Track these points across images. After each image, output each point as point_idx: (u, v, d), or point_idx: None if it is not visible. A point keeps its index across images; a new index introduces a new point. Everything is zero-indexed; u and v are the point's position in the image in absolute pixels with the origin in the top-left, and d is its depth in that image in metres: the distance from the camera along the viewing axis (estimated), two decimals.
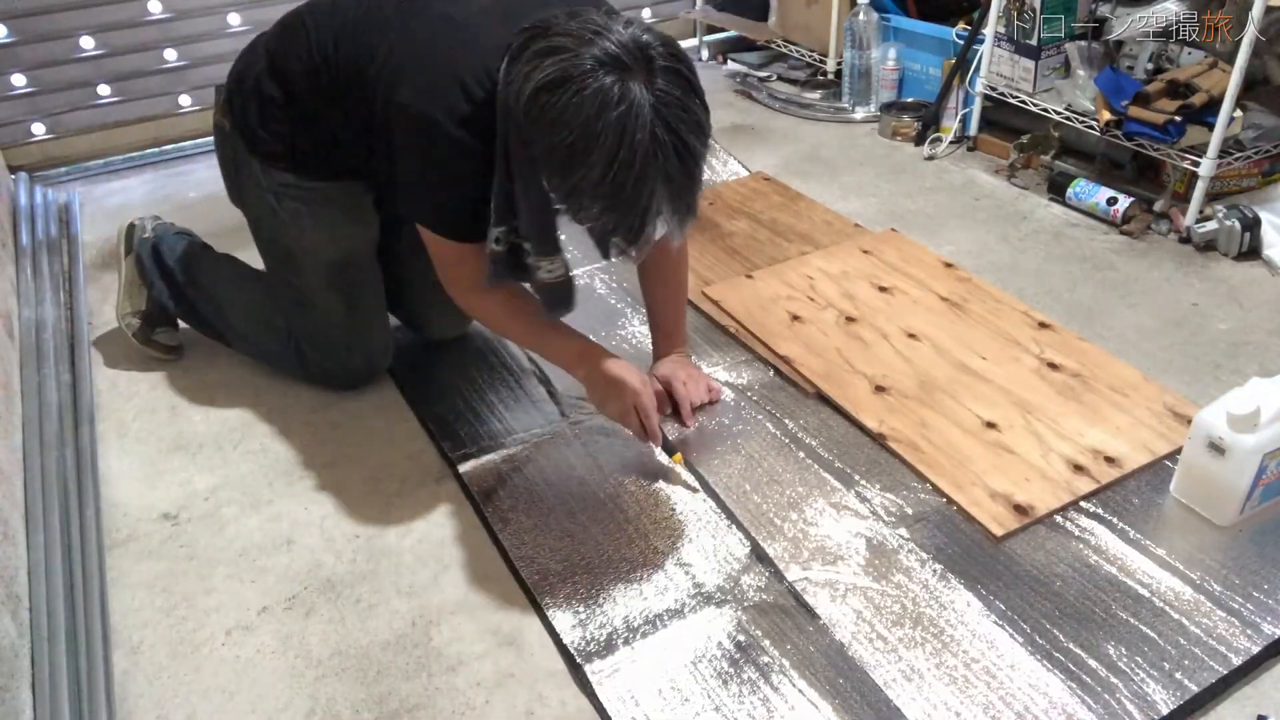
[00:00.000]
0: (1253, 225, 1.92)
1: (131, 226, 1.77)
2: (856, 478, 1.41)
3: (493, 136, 1.19)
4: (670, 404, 1.54)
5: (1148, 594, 1.21)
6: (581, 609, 1.22)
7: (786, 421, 1.53)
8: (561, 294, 1.34)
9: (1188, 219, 1.99)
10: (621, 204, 1.07)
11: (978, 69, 2.37)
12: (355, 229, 1.53)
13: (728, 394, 1.60)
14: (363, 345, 1.60)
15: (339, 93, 1.34)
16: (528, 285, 1.37)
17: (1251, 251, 1.94)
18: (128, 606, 1.27)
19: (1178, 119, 1.92)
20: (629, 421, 1.39)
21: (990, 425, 1.49)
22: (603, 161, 1.04)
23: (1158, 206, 2.08)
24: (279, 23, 1.45)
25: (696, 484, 1.41)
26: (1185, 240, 2.00)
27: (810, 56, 2.86)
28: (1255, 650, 1.13)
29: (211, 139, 2.60)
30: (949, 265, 1.91)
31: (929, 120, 2.52)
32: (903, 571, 1.25)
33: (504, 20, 1.20)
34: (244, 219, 1.93)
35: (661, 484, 1.42)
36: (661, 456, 1.44)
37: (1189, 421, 1.36)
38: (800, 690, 1.10)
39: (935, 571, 1.25)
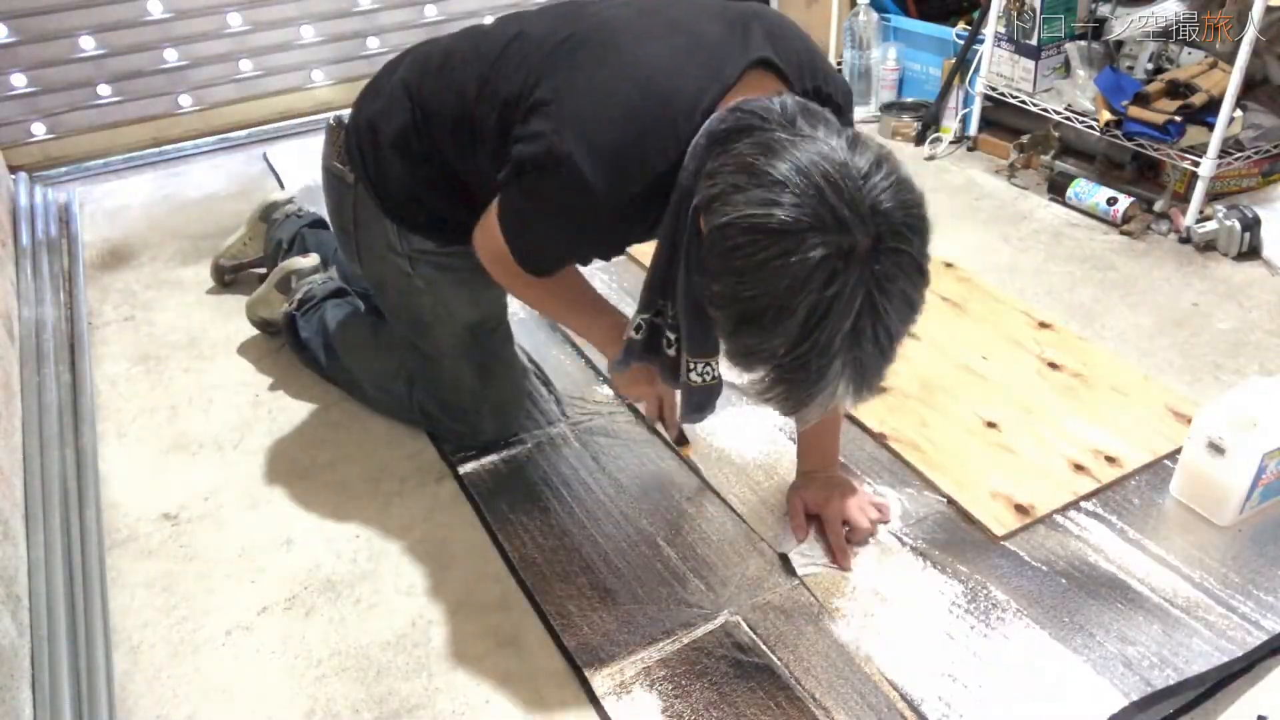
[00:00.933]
0: (1253, 225, 1.92)
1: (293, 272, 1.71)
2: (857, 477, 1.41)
3: (653, 205, 1.00)
4: (817, 525, 1.31)
5: (1147, 593, 1.21)
6: (581, 609, 1.22)
7: (787, 421, 1.53)
8: (707, 397, 1.14)
9: (1188, 219, 1.99)
10: (796, 382, 0.89)
11: (978, 69, 2.37)
12: (497, 289, 1.39)
13: (729, 394, 1.60)
14: (494, 408, 1.48)
15: (490, 147, 1.14)
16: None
17: (1251, 251, 1.94)
18: (128, 606, 1.27)
19: (1178, 119, 1.92)
20: (650, 408, 1.36)
21: (991, 425, 1.49)
22: (790, 338, 0.85)
23: (1158, 206, 2.08)
24: (421, 62, 1.26)
25: (701, 476, 1.40)
26: (1185, 240, 2.00)
27: None
28: (1255, 649, 1.13)
29: (214, 139, 2.67)
30: (949, 265, 1.91)
31: (929, 120, 2.52)
32: (903, 571, 1.25)
33: (708, 63, 1.00)
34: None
35: (661, 485, 1.42)
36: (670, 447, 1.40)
37: (1189, 421, 1.36)
38: (800, 691, 1.10)
39: (936, 571, 1.25)
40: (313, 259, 1.72)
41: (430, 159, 1.24)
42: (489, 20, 1.26)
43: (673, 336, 1.07)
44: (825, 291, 0.83)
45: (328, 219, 1.45)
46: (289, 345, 1.69)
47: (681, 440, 1.35)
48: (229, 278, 1.95)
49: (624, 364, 1.15)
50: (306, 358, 1.65)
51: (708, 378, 1.09)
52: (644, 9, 1.10)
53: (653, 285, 1.05)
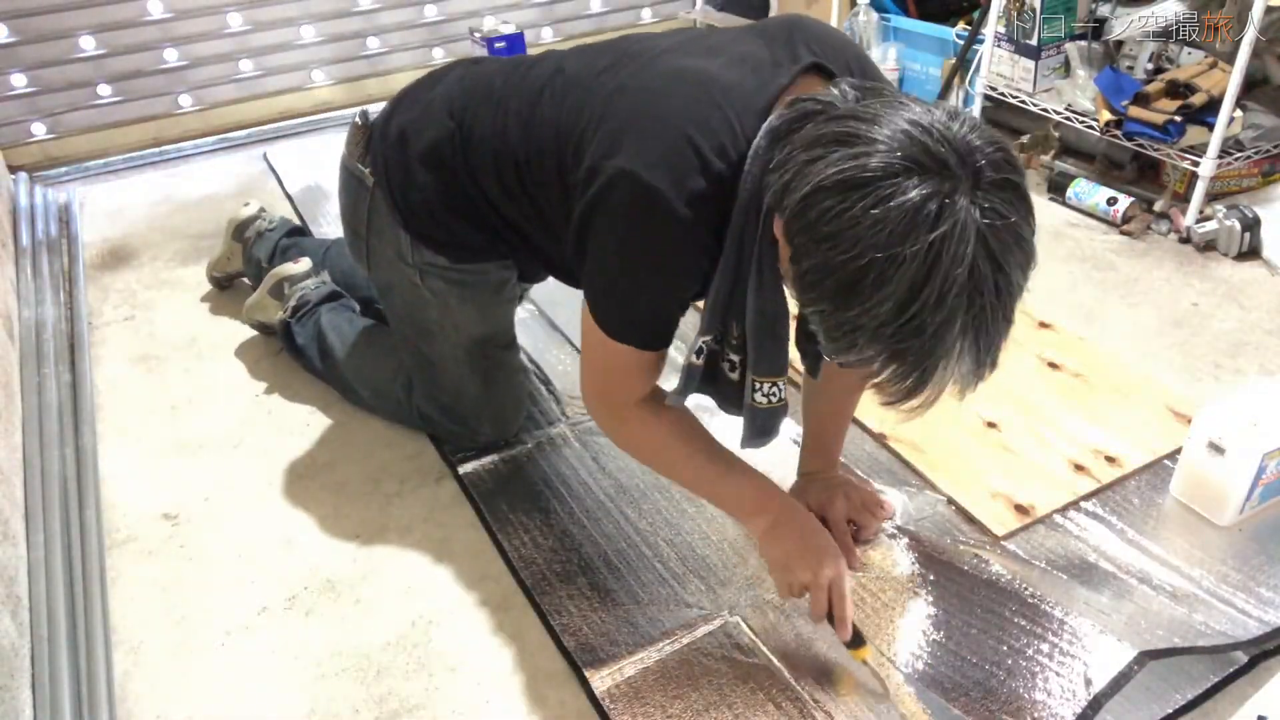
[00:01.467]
0: (1253, 225, 1.92)
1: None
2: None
3: (726, 221, 0.96)
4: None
5: (1149, 592, 1.21)
6: (581, 610, 1.22)
7: (787, 421, 1.53)
8: (772, 419, 1.08)
9: (1188, 219, 1.99)
10: (912, 351, 0.80)
11: (978, 69, 2.37)
12: (505, 305, 1.39)
13: None
14: (495, 414, 1.47)
15: (529, 177, 1.13)
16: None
17: (1251, 251, 1.94)
18: (128, 607, 1.27)
19: (1178, 119, 1.92)
20: (817, 598, 1.10)
21: (991, 425, 1.49)
22: (900, 296, 0.77)
23: (1158, 206, 2.08)
24: (467, 84, 1.23)
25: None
26: (1185, 240, 2.00)
27: None
28: (1255, 649, 1.13)
29: (214, 139, 2.67)
30: None
31: None
32: (904, 571, 1.25)
33: (757, 72, 0.98)
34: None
35: (662, 485, 1.41)
36: (841, 648, 1.12)
37: (1189, 421, 1.36)
38: (800, 692, 1.10)
39: (936, 571, 1.25)
40: (304, 264, 1.71)
41: (459, 179, 1.21)
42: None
43: (735, 359, 1.03)
44: (933, 233, 0.75)
45: (339, 216, 1.43)
46: (286, 351, 1.69)
47: (857, 641, 1.10)
48: (224, 285, 1.95)
49: (681, 395, 1.08)
50: (303, 363, 1.66)
51: (774, 399, 1.04)
52: (683, 39, 1.08)
53: (716, 306, 1.00)
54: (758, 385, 1.03)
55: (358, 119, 1.33)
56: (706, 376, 1.06)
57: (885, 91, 0.88)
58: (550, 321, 1.79)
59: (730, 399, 1.08)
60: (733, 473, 1.16)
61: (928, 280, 0.76)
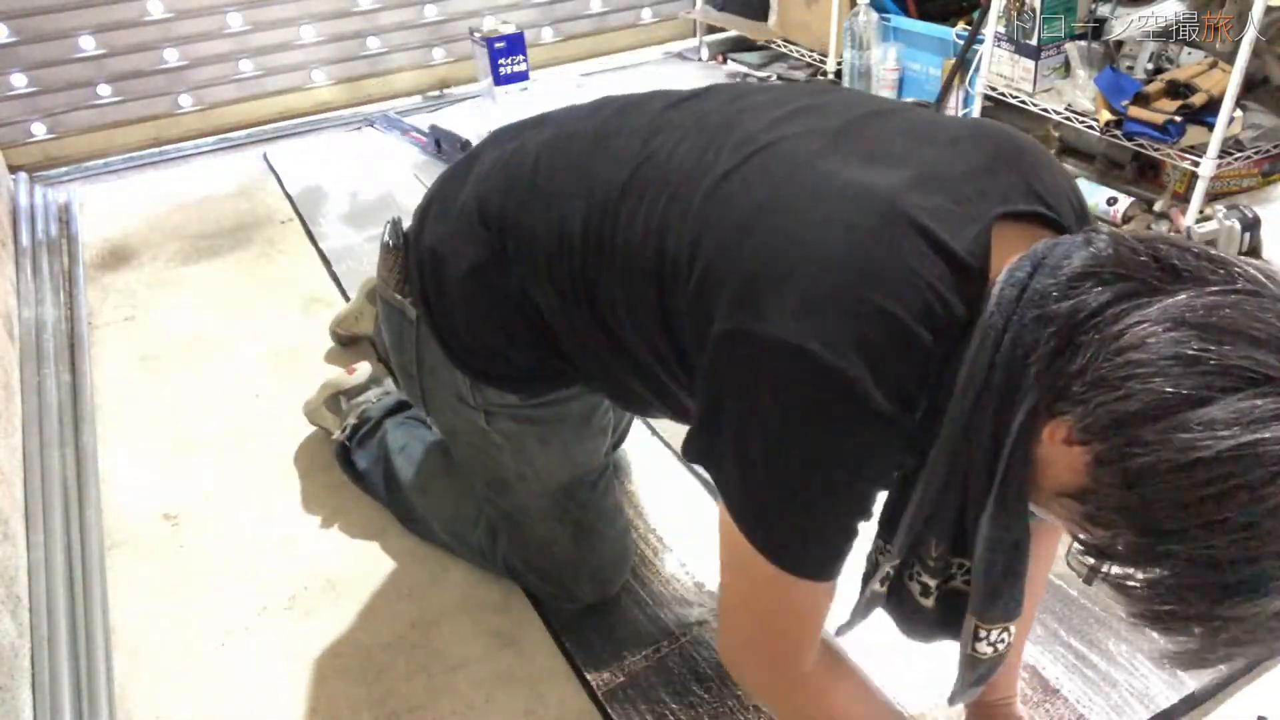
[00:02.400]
0: (1253, 225, 1.92)
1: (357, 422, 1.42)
2: None
3: (923, 395, 0.71)
4: None
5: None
6: (581, 609, 1.22)
7: None
8: (994, 669, 0.82)
9: (1188, 219, 1.99)
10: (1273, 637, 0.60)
11: (978, 69, 2.37)
12: (594, 440, 1.13)
13: None
14: (593, 573, 1.19)
15: (603, 296, 0.87)
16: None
17: (1251, 251, 1.94)
18: (128, 607, 1.27)
19: (1178, 119, 1.92)
20: None
21: None
22: None
23: (1158, 206, 2.08)
24: (501, 177, 0.96)
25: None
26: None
27: (810, 56, 2.86)
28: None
29: (214, 139, 2.67)
30: None
31: None
32: None
33: (958, 202, 0.71)
34: (247, 219, 1.89)
35: (662, 484, 1.41)
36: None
37: None
38: None
39: None
40: (361, 372, 1.48)
41: (511, 297, 0.95)
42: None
43: (931, 582, 0.78)
44: None
45: (388, 352, 1.15)
46: (346, 477, 1.44)
47: None
48: (345, 343, 1.76)
49: (850, 627, 0.85)
50: (366, 490, 1.41)
51: (1001, 646, 0.78)
52: (840, 123, 0.80)
53: (913, 523, 0.74)
54: (984, 632, 0.76)
55: (386, 237, 1.07)
56: (892, 598, 0.83)
57: (1193, 249, 0.62)
58: None
59: (919, 627, 0.82)
60: None
61: None
